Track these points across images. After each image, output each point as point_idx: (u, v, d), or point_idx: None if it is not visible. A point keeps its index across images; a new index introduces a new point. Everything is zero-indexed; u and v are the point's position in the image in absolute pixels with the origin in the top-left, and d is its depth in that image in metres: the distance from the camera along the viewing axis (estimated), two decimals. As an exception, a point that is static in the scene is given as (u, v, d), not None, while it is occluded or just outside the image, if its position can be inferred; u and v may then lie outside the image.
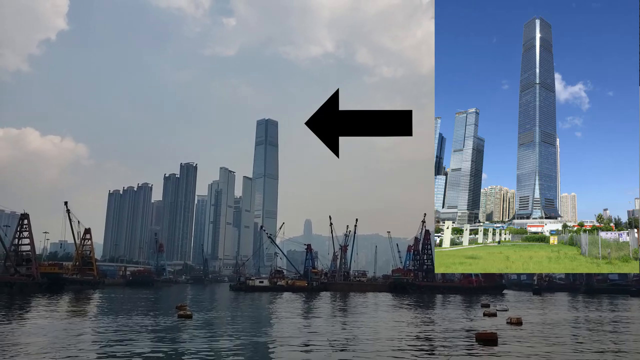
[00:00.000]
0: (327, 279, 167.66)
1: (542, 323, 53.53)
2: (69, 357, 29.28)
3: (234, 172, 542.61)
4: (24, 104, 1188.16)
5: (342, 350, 33.25)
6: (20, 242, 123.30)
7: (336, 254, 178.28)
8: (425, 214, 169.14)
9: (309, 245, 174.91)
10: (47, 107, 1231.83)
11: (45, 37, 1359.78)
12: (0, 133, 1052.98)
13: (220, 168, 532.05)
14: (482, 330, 40.76)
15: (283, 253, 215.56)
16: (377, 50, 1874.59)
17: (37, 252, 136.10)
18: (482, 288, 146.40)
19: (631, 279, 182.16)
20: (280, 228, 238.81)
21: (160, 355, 30.63)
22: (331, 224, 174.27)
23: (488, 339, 36.37)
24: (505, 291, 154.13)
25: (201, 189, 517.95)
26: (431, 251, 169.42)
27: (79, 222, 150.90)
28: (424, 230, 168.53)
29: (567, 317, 64.23)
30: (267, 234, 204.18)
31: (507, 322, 50.90)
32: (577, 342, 39.22)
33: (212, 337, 38.74)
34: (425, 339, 39.76)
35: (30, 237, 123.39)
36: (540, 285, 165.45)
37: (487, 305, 77.23)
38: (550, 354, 32.30)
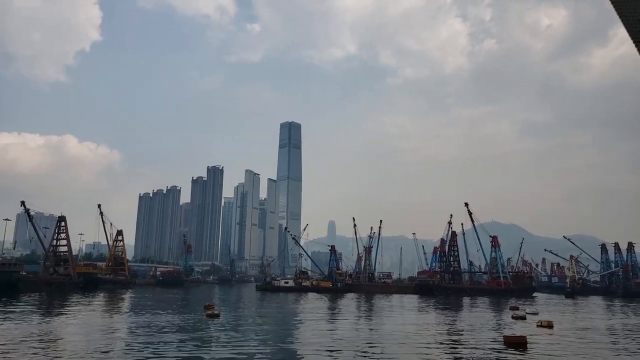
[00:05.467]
0: (351, 280, 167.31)
1: (575, 327, 51.88)
2: (105, 351, 30.53)
3: (258, 174, 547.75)
4: (62, 112, 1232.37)
5: (368, 351, 33.30)
6: (58, 244, 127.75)
7: (360, 255, 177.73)
8: (451, 215, 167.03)
9: (332, 247, 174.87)
10: (83, 115, 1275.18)
11: (80, 47, 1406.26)
12: (43, 140, 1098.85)
13: (246, 171, 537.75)
14: (511, 334, 40.06)
15: (307, 254, 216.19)
16: (401, 51, 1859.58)
17: (73, 253, 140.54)
18: (511, 290, 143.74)
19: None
20: (304, 229, 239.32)
21: (188, 352, 31.35)
22: (355, 225, 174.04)
23: (517, 343, 35.73)
24: (535, 294, 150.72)
25: (227, 191, 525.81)
26: (458, 252, 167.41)
27: (111, 224, 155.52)
28: (450, 232, 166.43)
29: (602, 322, 62.25)
30: (291, 235, 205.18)
31: (538, 326, 49.87)
32: (613, 349, 37.91)
33: (238, 336, 39.32)
34: (451, 341, 39.44)
35: (67, 238, 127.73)
36: (573, 288, 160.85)
37: (517, 308, 75.68)
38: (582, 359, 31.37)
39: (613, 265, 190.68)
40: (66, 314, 57.50)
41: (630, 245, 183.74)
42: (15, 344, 32.30)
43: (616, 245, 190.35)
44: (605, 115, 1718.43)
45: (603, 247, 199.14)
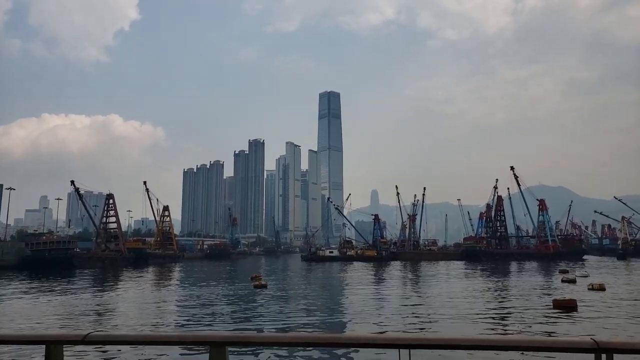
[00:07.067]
0: (396, 248, 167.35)
1: (629, 289, 50.23)
2: (158, 320, 31.93)
3: (299, 146, 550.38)
4: (106, 92, 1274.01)
5: (417, 317, 33.32)
6: (107, 221, 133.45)
7: (405, 223, 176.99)
8: (497, 179, 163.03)
9: (376, 216, 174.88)
10: (127, 95, 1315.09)
11: (119, 27, 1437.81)
12: (88, 121, 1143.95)
13: (286, 143, 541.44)
14: (561, 297, 39.12)
15: (351, 224, 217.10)
16: (440, 12, 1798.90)
17: (123, 229, 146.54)
18: (559, 254, 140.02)
19: None
20: (347, 199, 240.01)
21: (239, 322, 32.35)
22: (398, 193, 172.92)
23: (567, 306, 34.88)
24: (585, 257, 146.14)
25: (269, 163, 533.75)
26: (504, 217, 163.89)
27: (157, 200, 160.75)
28: (496, 197, 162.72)
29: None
30: (334, 205, 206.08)
31: (589, 289, 48.48)
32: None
33: (287, 306, 40.18)
34: (500, 306, 38.92)
35: (116, 215, 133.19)
36: (625, 250, 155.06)
37: (566, 271, 73.95)
38: (635, 321, 30.39)
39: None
40: (120, 287, 60.53)
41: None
42: (76, 315, 34.35)
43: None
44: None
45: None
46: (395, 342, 3.53)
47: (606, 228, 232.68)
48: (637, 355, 3.09)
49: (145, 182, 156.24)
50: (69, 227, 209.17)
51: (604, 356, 3.04)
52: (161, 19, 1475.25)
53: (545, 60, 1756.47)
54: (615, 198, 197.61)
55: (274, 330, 28.47)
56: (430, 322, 31.38)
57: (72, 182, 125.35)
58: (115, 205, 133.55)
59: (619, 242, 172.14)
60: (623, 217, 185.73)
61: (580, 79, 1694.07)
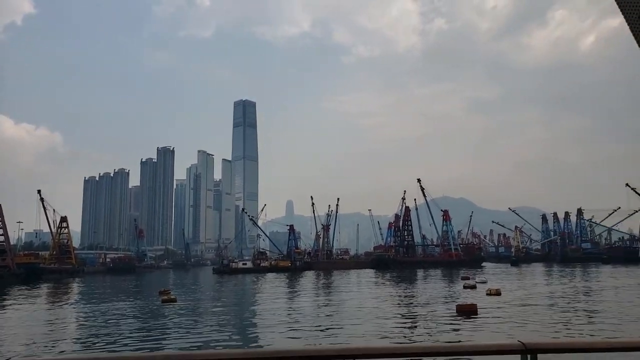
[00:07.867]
0: (310, 258, 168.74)
1: (520, 294, 54.74)
2: (51, 345, 28.86)
3: (212, 155, 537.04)
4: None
5: (327, 327, 33.51)
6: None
7: (319, 233, 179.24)
8: (405, 191, 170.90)
9: (291, 226, 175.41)
10: (18, 96, 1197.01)
11: (9, 20, 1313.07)
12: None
13: (198, 151, 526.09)
14: (463, 302, 41.60)
15: (265, 234, 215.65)
16: (354, 29, 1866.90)
17: (12, 243, 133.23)
18: (461, 261, 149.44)
19: (603, 247, 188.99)
20: (262, 210, 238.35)
21: (145, 340, 30.48)
22: (313, 204, 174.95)
23: (468, 311, 37.17)
24: (484, 264, 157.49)
25: (179, 173, 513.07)
26: (411, 227, 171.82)
27: (54, 210, 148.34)
28: (404, 207, 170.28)
29: (543, 287, 66.04)
30: (248, 216, 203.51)
31: (487, 294, 52.06)
32: (553, 308, 40.37)
33: (197, 320, 38.67)
34: (407, 312, 40.43)
35: (4, 227, 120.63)
36: (517, 257, 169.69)
37: (467, 278, 79.04)
38: (528, 322, 33.13)
39: (552, 233, 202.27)
40: (6, 307, 54.53)
41: (567, 215, 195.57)
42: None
43: (554, 215, 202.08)
44: (547, 94, 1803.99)
45: (543, 218, 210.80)
46: (333, 354, 3.42)
47: (502, 237, 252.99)
48: (559, 355, 3.33)
49: (39, 191, 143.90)
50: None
51: (529, 356, 3.21)
52: (62, 16, 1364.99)
53: (451, 79, 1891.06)
54: (510, 209, 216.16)
55: (178, 348, 27.15)
56: (342, 328, 31.70)
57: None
58: (2, 216, 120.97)
59: (513, 249, 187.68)
60: (516, 227, 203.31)
61: (482, 98, 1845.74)
